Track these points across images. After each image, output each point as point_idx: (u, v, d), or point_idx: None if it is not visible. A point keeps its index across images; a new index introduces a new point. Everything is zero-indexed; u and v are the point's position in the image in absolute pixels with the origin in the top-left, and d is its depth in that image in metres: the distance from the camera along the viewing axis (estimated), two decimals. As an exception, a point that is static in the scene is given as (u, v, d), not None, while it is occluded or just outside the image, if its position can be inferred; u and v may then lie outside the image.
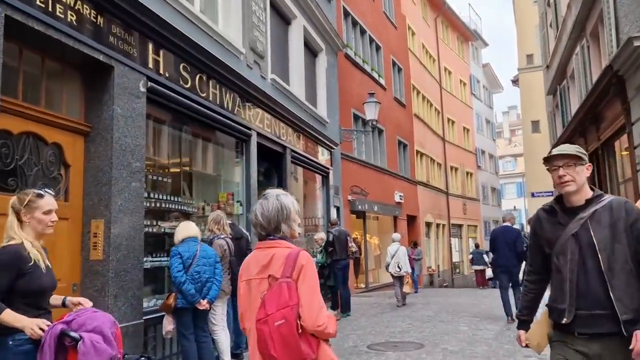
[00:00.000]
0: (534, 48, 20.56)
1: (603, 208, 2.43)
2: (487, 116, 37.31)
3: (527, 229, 9.17)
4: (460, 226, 30.29)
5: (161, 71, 5.67)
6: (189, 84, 6.21)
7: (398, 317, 9.32)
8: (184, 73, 6.12)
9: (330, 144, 12.08)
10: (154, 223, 5.71)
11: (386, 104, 19.43)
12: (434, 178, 26.24)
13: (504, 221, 8.90)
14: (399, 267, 11.71)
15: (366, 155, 17.31)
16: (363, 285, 16.66)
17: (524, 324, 2.73)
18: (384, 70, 19.68)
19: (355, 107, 15.52)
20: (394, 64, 21.11)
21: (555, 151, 2.55)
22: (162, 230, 5.86)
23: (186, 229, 5.01)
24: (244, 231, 6.50)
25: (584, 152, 2.53)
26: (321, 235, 10.42)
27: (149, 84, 5.42)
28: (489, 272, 22.86)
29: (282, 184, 9.17)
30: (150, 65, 5.48)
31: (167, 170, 6.28)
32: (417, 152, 23.49)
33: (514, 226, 8.99)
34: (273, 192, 2.36)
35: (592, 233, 2.40)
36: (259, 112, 8.15)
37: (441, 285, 25.07)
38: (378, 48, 19.51)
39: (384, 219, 19.08)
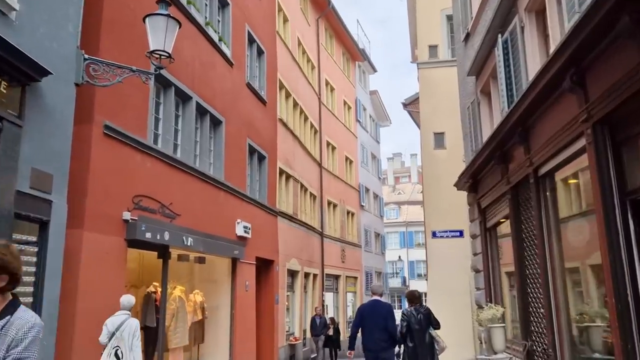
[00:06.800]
0: (439, 38, 15.58)
1: None
2: (373, 150, 32.36)
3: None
4: (337, 277, 24.03)
5: None
6: None
7: None
8: None
9: (25, 68, 4.95)
10: None
11: (231, 86, 12.80)
12: (305, 212, 19.83)
13: (373, 294, 7.63)
14: (117, 355, 6.47)
15: (182, 150, 10.31)
16: (153, 381, 9.22)
17: None
18: (232, 40, 13.13)
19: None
20: (251, 40, 14.70)
21: None
22: None
23: None
24: None
25: None
26: None
27: None
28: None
29: None
30: None
31: None
32: (282, 171, 16.98)
33: (383, 300, 7.84)
34: None
35: None
36: None
37: (307, 359, 18.21)
38: (225, 4, 13.00)
39: (216, 261, 11.97)
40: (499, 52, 8.02)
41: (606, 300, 5.92)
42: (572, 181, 6.42)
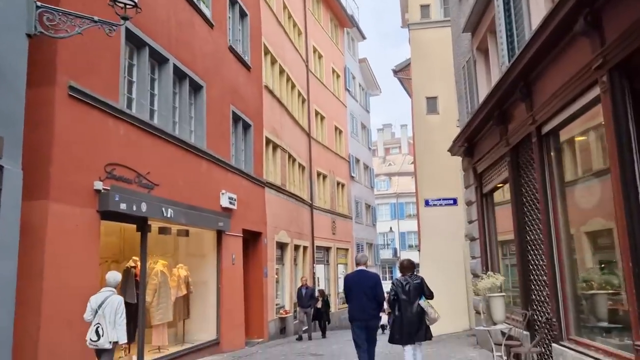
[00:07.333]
0: (431, -4, 14.84)
1: None
2: (363, 120, 31.72)
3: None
4: (327, 249, 23.67)
5: None
6: None
7: None
8: None
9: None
10: None
11: (212, 50, 12.08)
12: (294, 183, 19.29)
13: (357, 264, 7.43)
14: (98, 333, 6.11)
15: (159, 116, 9.66)
16: (135, 358, 8.75)
17: None
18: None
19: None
20: (232, 0, 13.88)
21: None
22: None
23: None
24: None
25: None
26: None
27: None
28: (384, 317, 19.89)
29: None
30: None
31: None
32: (269, 140, 16.36)
33: (371, 270, 7.56)
34: None
35: None
36: None
37: (297, 332, 17.88)
38: (203, -40, 12.14)
39: (200, 233, 11.45)
40: (498, 1, 7.40)
41: (603, 266, 5.51)
42: (580, 138, 5.91)
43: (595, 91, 4.85)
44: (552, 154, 6.37)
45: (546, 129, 6.31)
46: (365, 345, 6.89)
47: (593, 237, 5.88)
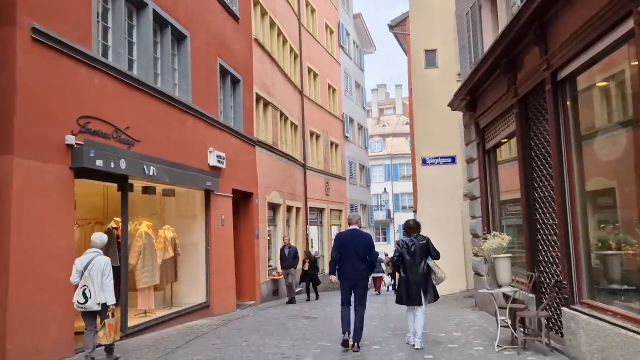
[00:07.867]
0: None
1: None
2: (357, 79, 30.81)
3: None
4: (321, 210, 23.28)
5: None
6: None
7: None
8: None
9: None
10: None
11: (196, -4, 11.18)
12: (286, 143, 18.66)
13: (350, 224, 7.23)
14: (85, 295, 5.86)
15: (139, 67, 8.93)
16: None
17: None
18: (197, -59, 11.35)
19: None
20: (218, -56, 12.87)
21: None
22: None
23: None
24: None
25: None
26: None
27: None
28: (387, 279, 21.25)
29: None
30: None
31: None
32: (259, 97, 15.62)
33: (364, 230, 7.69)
34: None
35: None
36: None
37: (289, 295, 17.60)
38: None
39: (187, 194, 10.89)
40: None
41: (620, 225, 5.03)
42: (602, 84, 5.32)
43: (628, 25, 4.24)
44: (568, 103, 5.79)
45: (563, 74, 5.71)
46: (351, 303, 6.79)
47: (612, 194, 5.38)
